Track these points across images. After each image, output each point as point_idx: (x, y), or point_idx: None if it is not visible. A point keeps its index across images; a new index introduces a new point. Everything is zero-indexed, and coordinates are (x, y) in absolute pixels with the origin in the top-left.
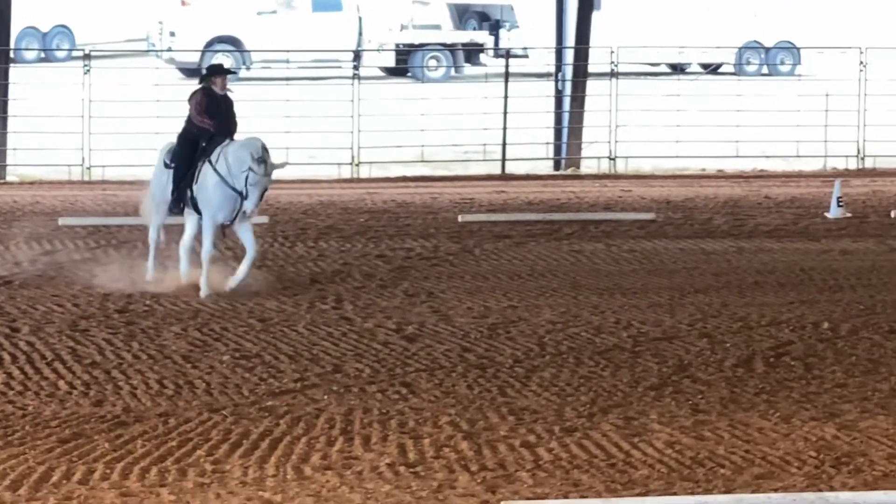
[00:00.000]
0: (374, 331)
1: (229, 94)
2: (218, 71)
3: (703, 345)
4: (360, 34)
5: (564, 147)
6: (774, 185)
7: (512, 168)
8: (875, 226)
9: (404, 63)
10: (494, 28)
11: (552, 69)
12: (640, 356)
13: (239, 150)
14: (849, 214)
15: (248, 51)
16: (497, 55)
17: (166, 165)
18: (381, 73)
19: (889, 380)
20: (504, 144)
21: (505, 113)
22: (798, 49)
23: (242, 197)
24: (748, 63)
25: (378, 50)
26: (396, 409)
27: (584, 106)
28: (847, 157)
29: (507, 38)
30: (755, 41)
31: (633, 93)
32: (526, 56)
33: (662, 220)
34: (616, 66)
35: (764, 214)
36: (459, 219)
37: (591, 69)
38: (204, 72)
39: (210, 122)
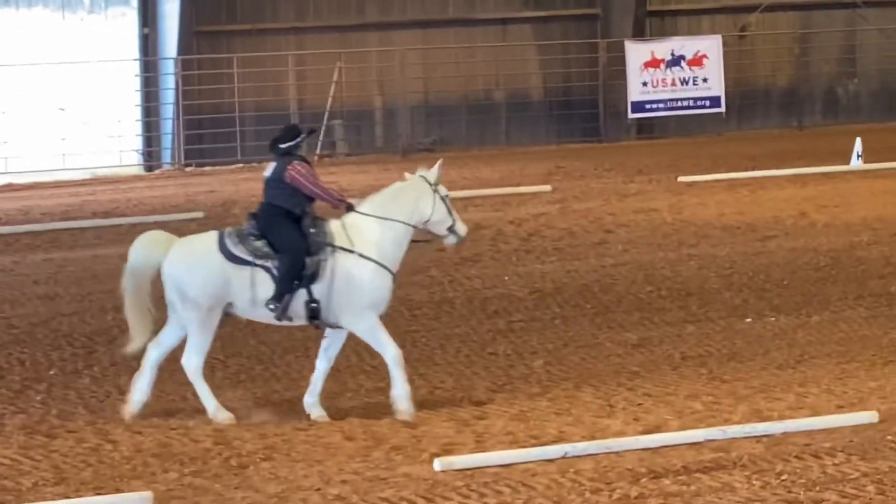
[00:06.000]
0: None
1: None
2: (301, 133)
3: None
4: None
5: None
6: None
7: None
8: None
9: None
10: None
11: None
12: None
13: (404, 193)
14: None
15: None
16: None
17: (237, 259)
18: None
19: None
20: None
21: None
22: None
23: (394, 276)
24: None
25: None
26: None
27: None
28: None
29: None
30: None
31: None
32: None
33: None
34: None
35: None
36: None
37: None
38: (288, 137)
39: (340, 195)
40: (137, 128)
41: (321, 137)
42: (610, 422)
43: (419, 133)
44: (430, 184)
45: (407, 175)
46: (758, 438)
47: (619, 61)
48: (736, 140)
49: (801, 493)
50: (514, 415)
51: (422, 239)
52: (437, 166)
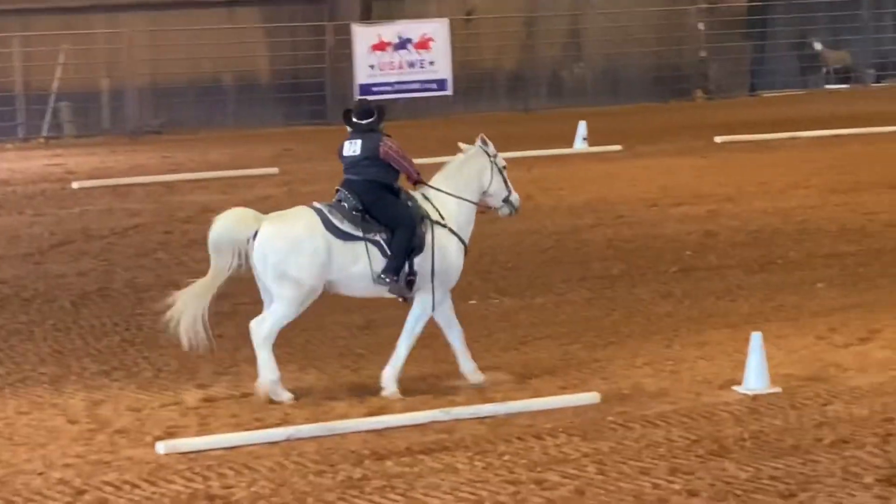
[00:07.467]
0: None
1: None
2: (376, 110)
3: None
4: None
5: None
6: None
7: None
8: None
9: None
10: None
11: None
12: None
13: (468, 166)
14: None
15: None
16: None
17: (345, 235)
18: None
19: None
20: None
21: None
22: None
23: (466, 247)
24: None
25: None
26: None
27: None
28: None
29: None
30: None
31: None
32: None
33: None
34: None
35: None
36: None
37: None
38: (368, 114)
39: (417, 169)
40: None
41: (48, 119)
42: (334, 404)
43: (147, 115)
44: (490, 155)
45: (462, 145)
46: (481, 419)
47: (347, 44)
48: (463, 123)
49: (523, 473)
50: (238, 398)
51: (478, 210)
52: (480, 139)
